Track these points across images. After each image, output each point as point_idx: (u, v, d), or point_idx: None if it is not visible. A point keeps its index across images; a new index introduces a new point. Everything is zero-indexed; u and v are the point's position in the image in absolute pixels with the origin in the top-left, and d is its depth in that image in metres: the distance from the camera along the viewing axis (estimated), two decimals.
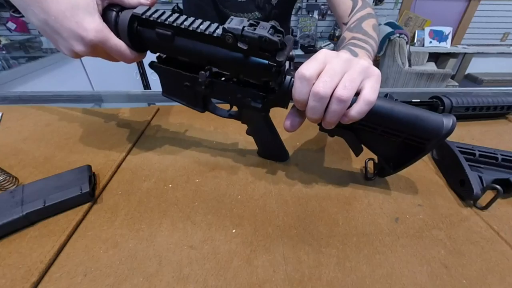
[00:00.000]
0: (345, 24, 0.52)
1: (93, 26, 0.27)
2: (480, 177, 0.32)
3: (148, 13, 0.28)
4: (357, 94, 0.27)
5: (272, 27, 0.26)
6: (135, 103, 0.65)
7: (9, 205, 0.28)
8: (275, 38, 0.25)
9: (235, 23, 0.26)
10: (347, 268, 0.25)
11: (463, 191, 0.33)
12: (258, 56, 0.28)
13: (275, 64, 0.27)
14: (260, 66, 0.28)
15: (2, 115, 0.51)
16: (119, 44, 0.29)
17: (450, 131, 0.27)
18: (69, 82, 1.70)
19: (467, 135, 0.48)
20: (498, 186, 0.31)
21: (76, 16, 0.26)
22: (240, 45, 0.26)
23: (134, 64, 2.37)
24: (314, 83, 0.26)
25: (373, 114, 0.28)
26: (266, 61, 0.28)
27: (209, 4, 0.64)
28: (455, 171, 0.34)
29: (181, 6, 2.52)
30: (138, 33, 0.30)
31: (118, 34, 0.29)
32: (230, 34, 0.26)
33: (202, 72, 0.31)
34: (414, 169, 0.38)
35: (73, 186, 0.30)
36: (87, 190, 0.30)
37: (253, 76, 0.30)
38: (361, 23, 0.47)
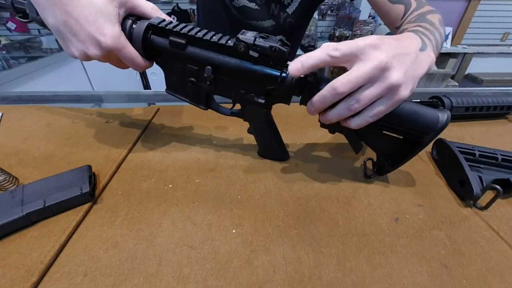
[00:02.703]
0: (398, 28, 0.46)
1: (112, 33, 0.28)
2: (480, 177, 0.32)
3: (164, 23, 0.30)
4: None
5: (280, 40, 0.29)
6: (135, 103, 0.65)
7: (9, 205, 0.28)
8: (284, 49, 0.28)
9: (248, 35, 0.28)
10: (347, 268, 0.25)
11: (463, 191, 0.33)
12: (267, 65, 0.30)
13: (281, 73, 0.30)
14: (267, 75, 0.31)
15: (2, 115, 0.51)
16: (133, 52, 0.31)
17: (445, 125, 0.29)
18: (69, 82, 1.70)
19: (467, 135, 0.48)
20: (498, 186, 0.31)
21: (97, 22, 0.28)
22: (251, 53, 0.29)
23: None
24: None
25: None
26: (273, 71, 0.30)
27: (223, 9, 0.63)
28: (455, 171, 0.34)
29: (181, 6, 2.53)
30: (151, 42, 0.32)
31: (131, 42, 0.31)
32: (243, 43, 0.28)
33: (209, 66, 0.31)
34: (414, 169, 0.38)
35: (73, 186, 0.30)
36: (87, 190, 0.30)
37: (260, 84, 0.32)
38: (424, 16, 0.40)
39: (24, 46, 1.95)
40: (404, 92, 0.26)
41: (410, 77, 0.26)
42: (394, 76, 0.25)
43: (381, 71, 0.25)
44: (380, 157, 0.35)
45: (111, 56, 0.31)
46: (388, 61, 0.25)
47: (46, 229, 0.28)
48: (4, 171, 0.33)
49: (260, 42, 0.28)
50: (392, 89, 0.26)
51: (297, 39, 0.75)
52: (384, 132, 0.33)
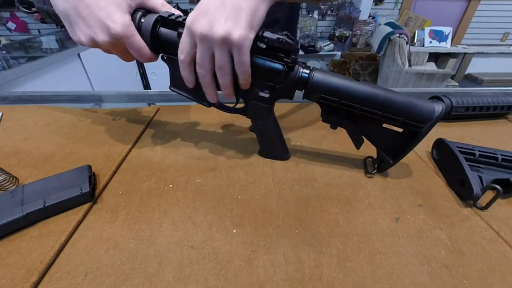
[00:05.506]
0: None
1: (122, 20, 0.29)
2: (480, 177, 0.32)
3: (173, 16, 0.31)
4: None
5: (286, 34, 0.30)
6: (135, 103, 0.65)
7: (9, 205, 0.28)
8: (290, 41, 0.29)
9: None
10: (348, 268, 0.25)
11: (463, 191, 0.33)
12: (273, 57, 0.31)
13: (286, 65, 0.31)
14: (272, 69, 0.32)
15: (2, 115, 0.51)
16: (141, 41, 0.31)
17: (440, 115, 0.31)
18: (69, 82, 1.70)
19: (467, 135, 0.48)
20: (498, 186, 0.31)
21: (108, 8, 0.28)
22: (259, 44, 0.29)
23: (134, 64, 2.37)
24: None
25: (374, 101, 0.31)
26: (278, 64, 0.31)
27: None
28: (455, 171, 0.34)
29: (181, 6, 2.53)
30: (159, 34, 0.32)
31: (140, 34, 0.32)
32: None
33: None
34: (414, 169, 0.38)
35: (73, 186, 0.30)
36: (87, 190, 0.30)
37: (265, 78, 0.33)
38: None
39: (24, 46, 1.95)
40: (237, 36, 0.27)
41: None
42: (219, 29, 0.27)
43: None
44: (380, 151, 0.36)
45: (118, 45, 0.31)
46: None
47: (46, 229, 0.28)
48: (4, 171, 0.33)
49: (268, 34, 0.29)
50: (225, 39, 0.27)
51: (292, 20, 0.75)
52: (383, 126, 0.34)
